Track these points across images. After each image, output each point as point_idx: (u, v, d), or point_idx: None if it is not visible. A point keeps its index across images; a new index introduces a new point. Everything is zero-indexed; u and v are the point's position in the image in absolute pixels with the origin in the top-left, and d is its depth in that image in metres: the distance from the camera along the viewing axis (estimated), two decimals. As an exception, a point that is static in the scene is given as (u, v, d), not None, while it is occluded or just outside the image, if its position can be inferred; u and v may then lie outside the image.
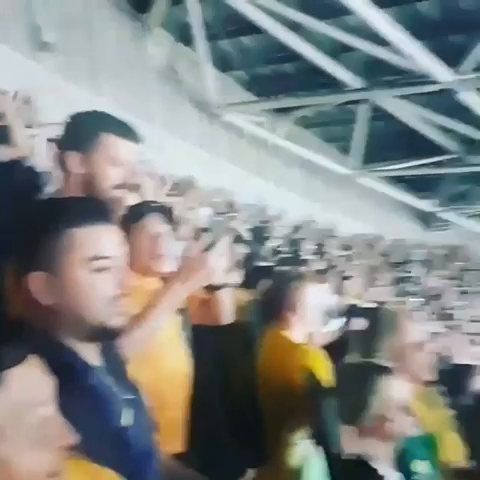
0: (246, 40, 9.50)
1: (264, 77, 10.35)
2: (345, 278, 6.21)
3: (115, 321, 1.10)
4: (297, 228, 10.18)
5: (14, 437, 0.76)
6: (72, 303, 1.07)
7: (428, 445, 1.87)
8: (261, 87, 10.36)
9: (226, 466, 1.83)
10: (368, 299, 6.23)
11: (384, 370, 1.68)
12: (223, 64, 9.70)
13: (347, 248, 10.58)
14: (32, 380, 0.80)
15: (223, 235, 1.58)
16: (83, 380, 1.06)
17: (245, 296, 3.30)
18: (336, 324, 3.05)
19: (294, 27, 8.16)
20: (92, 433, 0.97)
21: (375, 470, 1.60)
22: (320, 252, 8.85)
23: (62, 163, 1.57)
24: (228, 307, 2.08)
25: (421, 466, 1.78)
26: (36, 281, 1.07)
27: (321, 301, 2.28)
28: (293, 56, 8.79)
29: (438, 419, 1.89)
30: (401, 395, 1.66)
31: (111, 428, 1.06)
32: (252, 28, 8.21)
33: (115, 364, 1.17)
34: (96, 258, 1.09)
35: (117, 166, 1.55)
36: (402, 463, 1.73)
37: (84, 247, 1.08)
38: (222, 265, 1.52)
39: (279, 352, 2.14)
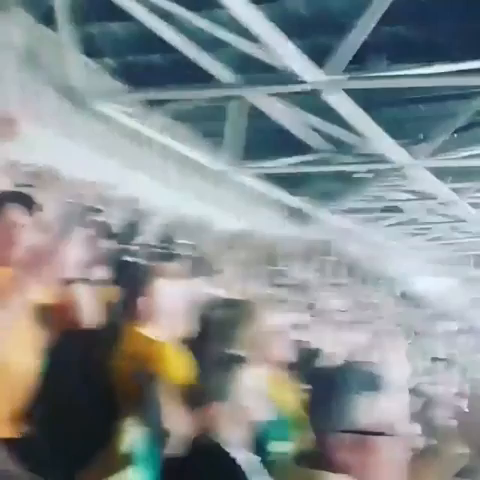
0: (115, 26, 9.19)
1: (135, 66, 10.11)
2: (218, 272, 6.27)
3: None
4: (171, 223, 10.10)
5: None
6: None
7: (286, 426, 2.06)
8: (132, 77, 10.09)
9: (68, 456, 1.87)
10: (239, 292, 6.37)
11: (241, 360, 1.79)
12: (90, 50, 9.29)
13: (221, 243, 10.72)
14: None
15: (77, 227, 1.50)
16: None
17: (110, 292, 3.20)
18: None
19: (165, 16, 8.00)
20: None
21: (228, 453, 1.71)
22: (193, 247, 8.85)
23: None
24: (88, 306, 2.06)
25: (280, 446, 1.92)
26: None
27: (179, 295, 2.28)
28: (165, 46, 8.64)
29: (293, 401, 2.04)
30: (257, 382, 1.77)
31: None
32: (122, 14, 7.92)
33: None
34: None
35: None
36: (261, 444, 1.87)
37: None
38: (75, 258, 1.48)
39: (129, 346, 2.16)
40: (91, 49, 9.31)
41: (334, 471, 1.23)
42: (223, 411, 1.70)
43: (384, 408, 1.24)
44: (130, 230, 7.54)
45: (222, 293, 5.31)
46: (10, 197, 2.13)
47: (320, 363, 2.73)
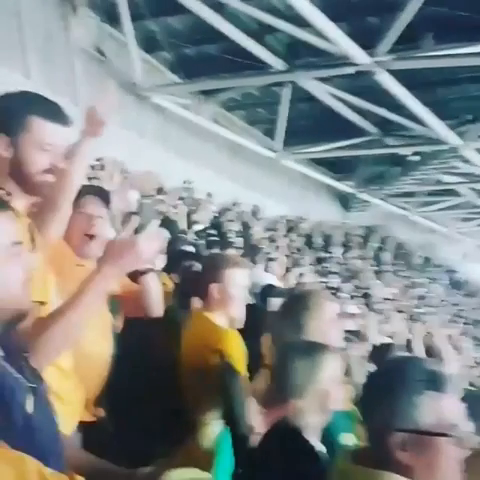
0: (171, 20, 9.36)
1: (190, 58, 10.25)
2: (269, 259, 6.38)
3: (26, 305, 1.11)
4: (224, 211, 10.26)
5: None
6: None
7: (351, 418, 1.94)
8: (187, 69, 10.25)
9: (139, 443, 1.89)
10: (291, 279, 6.44)
11: (324, 347, 1.78)
12: (149, 45, 9.54)
13: (271, 230, 10.79)
14: None
15: (152, 218, 1.57)
16: None
17: (168, 280, 3.33)
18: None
19: (218, 7, 8.10)
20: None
21: (307, 441, 1.67)
22: (245, 234, 8.97)
23: None
24: (156, 296, 2.09)
25: (348, 439, 1.85)
26: None
27: (244, 283, 2.32)
28: (218, 37, 8.73)
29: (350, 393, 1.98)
30: (337, 370, 1.76)
31: (16, 416, 1.04)
32: (177, 8, 8.09)
33: (14, 352, 1.13)
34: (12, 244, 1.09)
35: (44, 150, 1.51)
36: (330, 436, 1.80)
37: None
38: (153, 249, 1.50)
39: (199, 334, 2.16)
40: (150, 44, 9.54)
41: (393, 471, 1.17)
42: (303, 404, 1.62)
43: (446, 407, 1.19)
44: (187, 219, 7.74)
45: (276, 281, 5.41)
46: (87, 190, 2.11)
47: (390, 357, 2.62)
